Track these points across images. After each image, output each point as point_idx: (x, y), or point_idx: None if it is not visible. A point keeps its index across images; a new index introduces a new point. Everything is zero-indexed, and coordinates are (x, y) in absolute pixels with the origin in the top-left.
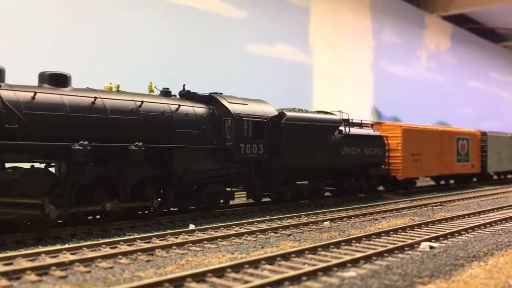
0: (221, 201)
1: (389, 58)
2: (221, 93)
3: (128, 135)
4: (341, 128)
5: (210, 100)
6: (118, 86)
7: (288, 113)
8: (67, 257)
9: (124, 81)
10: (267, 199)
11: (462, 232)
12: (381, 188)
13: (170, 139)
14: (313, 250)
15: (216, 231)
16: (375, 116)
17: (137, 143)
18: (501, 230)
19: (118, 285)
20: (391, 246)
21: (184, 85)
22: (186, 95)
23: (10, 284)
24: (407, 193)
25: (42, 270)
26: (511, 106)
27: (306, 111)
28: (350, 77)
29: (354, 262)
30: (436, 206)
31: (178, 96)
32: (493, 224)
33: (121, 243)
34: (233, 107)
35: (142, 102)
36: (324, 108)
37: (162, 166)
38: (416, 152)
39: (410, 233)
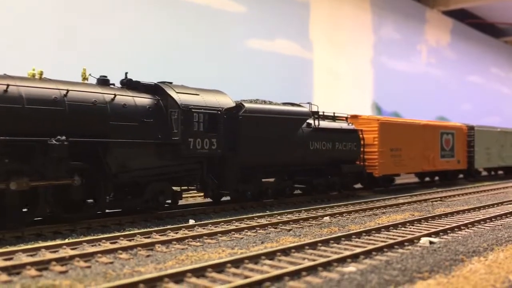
0: (168, 201)
1: (389, 53)
2: (170, 82)
3: (50, 128)
4: (310, 121)
5: (156, 89)
6: (41, 73)
7: (247, 105)
8: (67, 252)
9: (123, 77)
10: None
11: (462, 227)
12: (359, 186)
13: (103, 132)
14: (313, 245)
15: (216, 226)
16: (375, 111)
17: (59, 137)
18: (501, 225)
19: (118, 280)
20: (391, 241)
21: (126, 73)
22: (128, 84)
23: (10, 279)
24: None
25: (42, 265)
26: (511, 101)
27: (271, 103)
28: (350, 72)
29: (354, 257)
30: (436, 201)
31: (120, 86)
32: (493, 219)
33: (121, 238)
34: (181, 98)
35: (68, 90)
36: (324, 103)
37: (95, 163)
38: (395, 147)
39: (410, 228)
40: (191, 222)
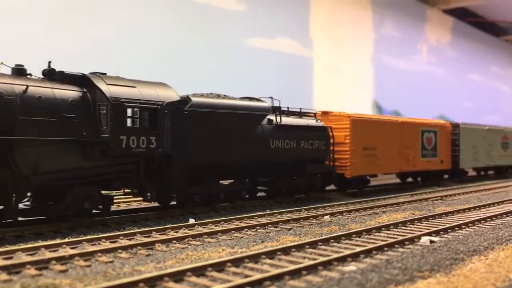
0: (99, 207)
1: (389, 52)
2: (104, 73)
3: None
4: (271, 117)
5: (84, 81)
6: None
7: (194, 99)
8: (67, 251)
9: (123, 75)
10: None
11: (463, 226)
12: (333, 187)
13: (10, 128)
14: (313, 244)
15: (216, 225)
16: (376, 110)
17: None
18: (502, 224)
19: (118, 279)
20: (392, 240)
21: (49, 62)
22: (50, 75)
23: (10, 278)
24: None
25: (42, 264)
26: (511, 99)
27: (226, 97)
28: (351, 70)
29: (354, 256)
30: (437, 200)
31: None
32: (493, 218)
33: (121, 237)
34: (111, 90)
35: None
36: (324, 102)
37: (3, 165)
38: (369, 146)
39: (411, 227)
40: (191, 221)
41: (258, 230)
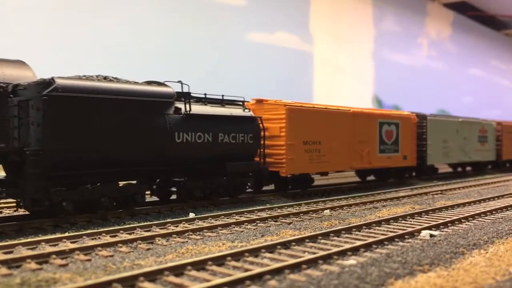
0: None
1: (390, 46)
2: None
3: None
4: (180, 105)
5: None
6: None
7: (59, 81)
8: (67, 245)
9: (122, 71)
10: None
11: (463, 220)
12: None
13: None
14: (313, 238)
15: (216, 220)
16: (376, 104)
17: None
18: (502, 218)
19: (119, 273)
20: (391, 234)
21: None
22: None
23: (10, 272)
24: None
25: (42, 259)
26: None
27: (116, 80)
28: (351, 65)
29: (354, 250)
30: (437, 194)
31: None
32: (493, 212)
33: (121, 231)
34: None
35: None
36: (324, 96)
37: None
38: (311, 140)
39: (411, 221)
40: (191, 215)
41: (258, 224)
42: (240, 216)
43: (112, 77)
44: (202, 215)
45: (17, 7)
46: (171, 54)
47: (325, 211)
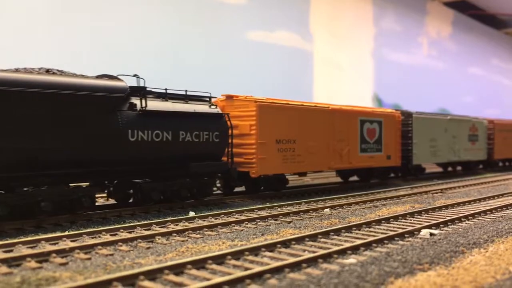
0: None
1: (390, 45)
2: None
3: None
4: (136, 101)
5: None
6: None
7: None
8: (67, 244)
9: (123, 70)
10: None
11: (463, 219)
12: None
13: None
14: (313, 237)
15: (216, 218)
16: (376, 103)
17: None
18: (502, 217)
19: (119, 272)
20: (392, 233)
21: None
22: None
23: (10, 271)
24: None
25: (42, 257)
26: None
27: (60, 73)
28: (351, 64)
29: (354, 249)
30: (437, 193)
31: None
32: (493, 211)
33: (121, 230)
34: None
35: None
36: (324, 95)
37: None
38: (285, 138)
39: (411, 220)
40: (191, 214)
41: (258, 223)
42: (240, 215)
43: (57, 70)
44: (202, 214)
45: (17, 7)
46: (171, 53)
47: (325, 210)
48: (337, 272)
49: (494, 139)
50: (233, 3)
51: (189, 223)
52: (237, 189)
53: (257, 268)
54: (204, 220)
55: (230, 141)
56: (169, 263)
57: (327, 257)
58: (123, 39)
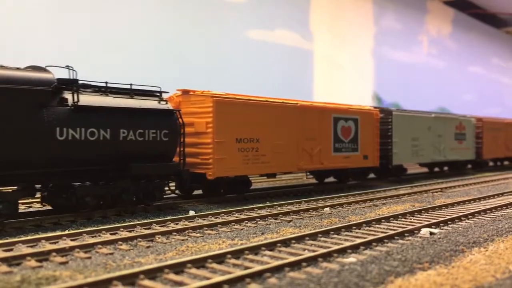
0: None
1: (390, 44)
2: None
3: None
4: (67, 96)
5: None
6: None
7: None
8: (67, 243)
9: (123, 69)
10: None
11: (463, 218)
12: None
13: None
14: (313, 236)
15: (216, 218)
16: (376, 102)
17: None
18: (502, 216)
19: (119, 271)
20: (391, 232)
21: None
22: None
23: (10, 270)
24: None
25: (42, 256)
26: None
27: None
28: (351, 62)
29: (354, 248)
30: (437, 192)
31: None
32: (493, 210)
33: (121, 229)
34: None
35: None
36: (324, 94)
37: None
38: (247, 137)
39: (410, 219)
40: (191, 213)
41: (258, 222)
42: (240, 214)
43: None
44: (202, 213)
45: (17, 7)
46: (171, 52)
47: (325, 209)
48: (337, 271)
49: (483, 138)
50: (233, 1)
51: (189, 222)
52: (197, 192)
53: (257, 267)
54: (204, 219)
55: (182, 140)
56: (169, 262)
57: (327, 256)
58: (123, 38)
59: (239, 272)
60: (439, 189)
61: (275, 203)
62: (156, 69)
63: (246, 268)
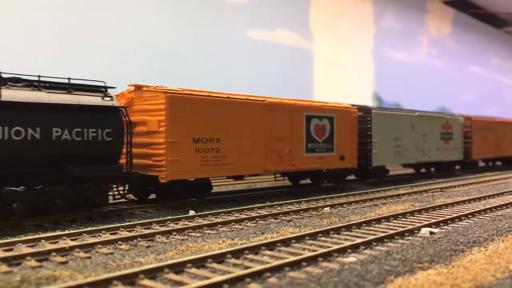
0: None
1: (390, 44)
2: None
3: None
4: None
5: None
6: None
7: None
8: (67, 243)
9: (123, 70)
10: None
11: (463, 218)
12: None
13: None
14: (313, 236)
15: (216, 217)
16: (376, 102)
17: None
18: (501, 215)
19: (119, 271)
20: (391, 231)
21: None
22: None
23: (10, 270)
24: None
25: (42, 256)
26: None
27: None
28: (351, 62)
29: (354, 248)
30: (437, 192)
31: None
32: (493, 209)
33: (121, 229)
34: None
35: None
36: (324, 94)
37: None
38: (206, 136)
39: (411, 218)
40: (191, 213)
41: (258, 222)
42: (240, 214)
43: None
44: (202, 213)
45: (16, 7)
46: (170, 52)
47: (325, 208)
48: (337, 270)
49: (471, 137)
50: (233, 1)
51: (189, 221)
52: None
53: (257, 267)
54: (204, 219)
55: (128, 139)
56: (169, 261)
57: (327, 256)
58: (123, 38)
59: (239, 272)
60: (439, 189)
61: (275, 203)
62: (156, 69)
63: (246, 267)
